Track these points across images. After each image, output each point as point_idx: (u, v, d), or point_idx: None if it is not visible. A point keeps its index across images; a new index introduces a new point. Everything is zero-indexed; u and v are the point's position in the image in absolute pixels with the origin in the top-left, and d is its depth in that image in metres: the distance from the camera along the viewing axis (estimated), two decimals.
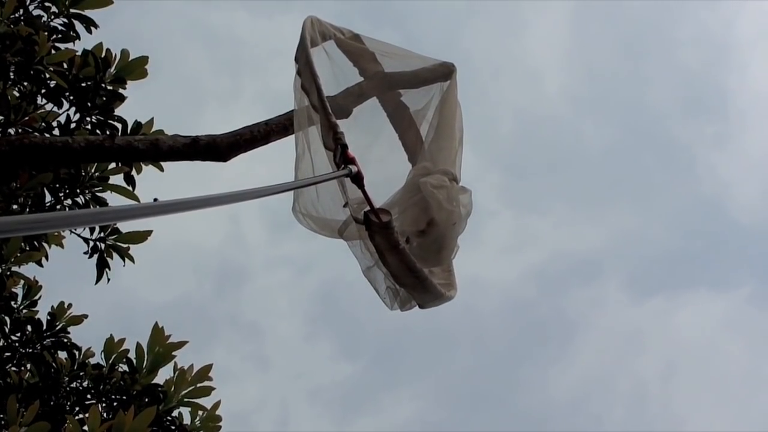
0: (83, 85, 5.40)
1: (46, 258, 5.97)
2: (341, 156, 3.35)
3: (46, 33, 5.33)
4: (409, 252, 3.50)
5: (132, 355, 5.88)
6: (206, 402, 5.98)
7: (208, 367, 6.00)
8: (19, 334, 5.80)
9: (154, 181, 5.88)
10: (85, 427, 5.03)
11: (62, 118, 5.55)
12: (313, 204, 3.79)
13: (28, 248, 5.86)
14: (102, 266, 5.76)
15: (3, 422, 5.04)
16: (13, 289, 5.84)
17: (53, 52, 5.39)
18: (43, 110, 5.55)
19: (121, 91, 5.53)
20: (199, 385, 5.94)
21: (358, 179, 3.31)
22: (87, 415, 5.17)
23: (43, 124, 5.53)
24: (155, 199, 3.32)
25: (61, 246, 6.09)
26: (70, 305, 5.92)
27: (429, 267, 3.74)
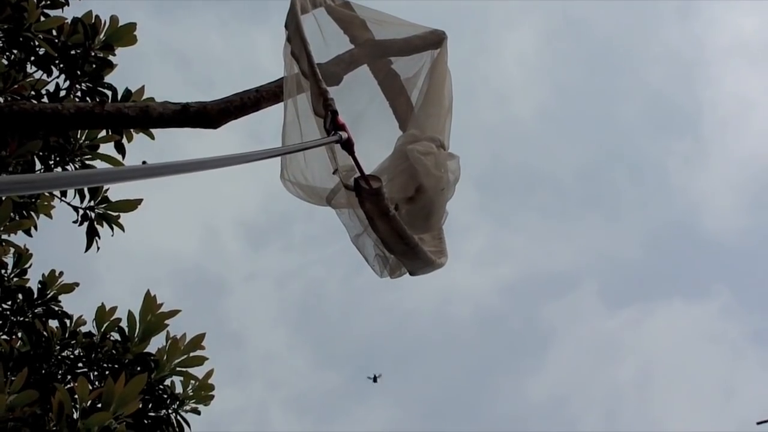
0: (72, 52, 5.36)
1: (35, 228, 5.95)
2: (331, 122, 3.34)
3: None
4: (399, 218, 3.51)
5: (124, 324, 5.87)
6: (199, 372, 5.98)
7: (201, 336, 5.97)
8: (9, 303, 5.80)
9: (145, 151, 5.88)
10: (75, 396, 5.03)
11: (51, 86, 5.52)
12: (302, 172, 3.78)
13: (17, 217, 5.84)
14: (92, 234, 5.75)
15: None
16: (3, 258, 5.83)
17: (42, 19, 5.35)
18: (32, 78, 5.51)
19: (110, 58, 5.49)
20: (191, 354, 5.93)
21: (348, 145, 3.30)
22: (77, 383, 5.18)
23: (33, 92, 5.49)
24: (144, 162, 3.32)
25: (50, 216, 6.04)
26: (61, 273, 5.91)
27: (419, 234, 3.75)
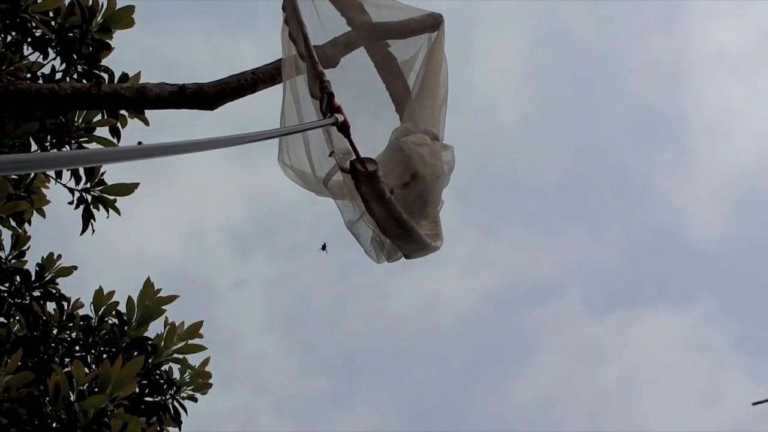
0: (69, 34, 5.33)
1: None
2: (327, 104, 3.33)
3: None
4: (394, 201, 3.50)
5: (122, 308, 5.86)
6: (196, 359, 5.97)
7: (199, 324, 5.96)
8: (7, 285, 5.78)
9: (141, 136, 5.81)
10: (73, 379, 5.02)
11: (48, 69, 5.49)
12: (301, 156, 3.77)
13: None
14: (87, 217, 5.71)
15: None
16: (1, 240, 5.81)
17: (39, 0, 5.31)
18: (28, 60, 5.48)
19: (108, 41, 5.46)
20: (189, 341, 5.92)
21: (344, 128, 3.29)
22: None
23: (29, 74, 5.46)
24: (140, 143, 3.32)
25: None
26: (59, 256, 5.89)
27: (416, 221, 3.74)
